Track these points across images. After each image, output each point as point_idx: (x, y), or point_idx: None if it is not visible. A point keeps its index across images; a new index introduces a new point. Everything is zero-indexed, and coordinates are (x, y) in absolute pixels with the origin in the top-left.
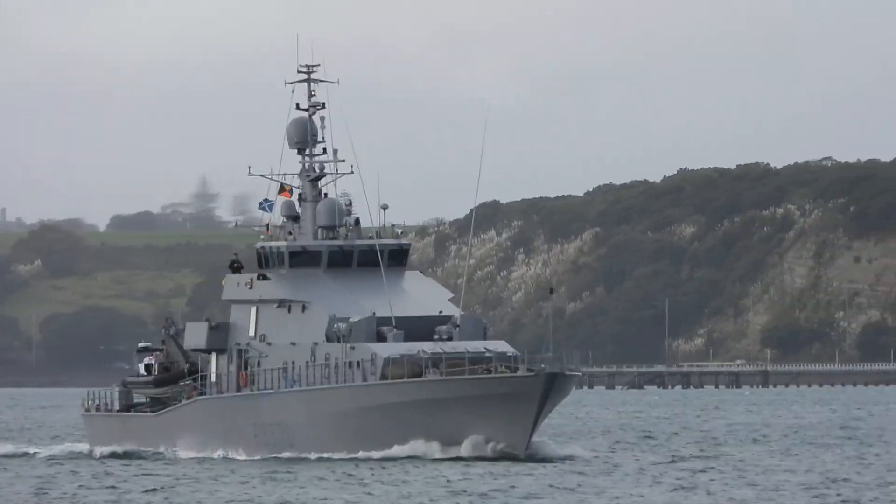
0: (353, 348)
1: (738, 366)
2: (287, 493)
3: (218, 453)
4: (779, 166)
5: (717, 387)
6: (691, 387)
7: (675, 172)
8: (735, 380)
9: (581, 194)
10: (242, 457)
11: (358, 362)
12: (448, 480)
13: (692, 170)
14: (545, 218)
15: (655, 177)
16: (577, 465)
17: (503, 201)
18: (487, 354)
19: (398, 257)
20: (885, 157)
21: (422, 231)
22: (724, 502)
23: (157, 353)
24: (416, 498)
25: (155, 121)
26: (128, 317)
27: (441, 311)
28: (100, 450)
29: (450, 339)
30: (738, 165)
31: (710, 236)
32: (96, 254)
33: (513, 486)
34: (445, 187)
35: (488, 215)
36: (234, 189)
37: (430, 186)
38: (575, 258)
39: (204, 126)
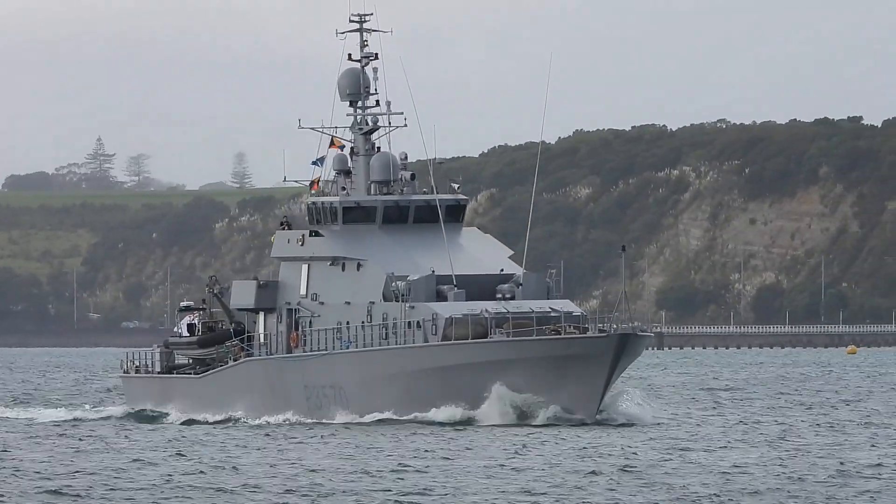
0: (412, 308)
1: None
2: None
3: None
4: (674, 128)
5: None
6: None
7: (571, 134)
8: None
9: (476, 155)
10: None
11: (418, 322)
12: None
13: (587, 131)
14: (440, 178)
15: (551, 138)
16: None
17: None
18: (553, 314)
19: (455, 213)
20: (780, 120)
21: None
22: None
23: (200, 312)
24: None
25: (53, 79)
26: (23, 277)
27: (502, 269)
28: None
29: (512, 298)
30: (633, 127)
31: (606, 198)
32: None
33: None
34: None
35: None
36: (129, 150)
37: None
38: (470, 219)
39: (101, 86)
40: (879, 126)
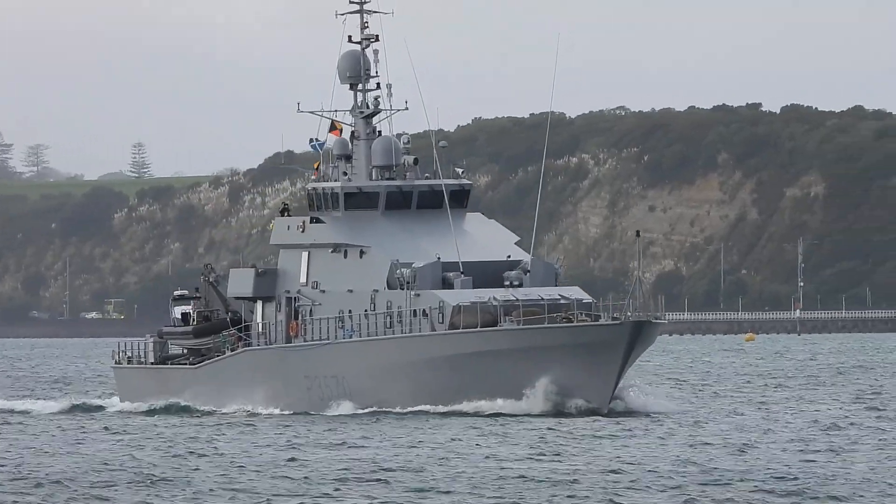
0: (417, 296)
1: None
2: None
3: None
4: (573, 115)
5: None
6: None
7: (470, 122)
8: None
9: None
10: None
11: (424, 311)
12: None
13: (486, 119)
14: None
15: (449, 126)
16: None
17: (297, 151)
18: (563, 301)
19: (460, 198)
20: (679, 107)
21: (215, 181)
22: None
23: (195, 301)
24: None
25: None
26: None
27: (509, 256)
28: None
29: (520, 285)
30: (531, 114)
31: (505, 186)
32: None
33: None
34: (243, 135)
35: (281, 166)
36: (27, 139)
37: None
38: None
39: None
40: (778, 112)
